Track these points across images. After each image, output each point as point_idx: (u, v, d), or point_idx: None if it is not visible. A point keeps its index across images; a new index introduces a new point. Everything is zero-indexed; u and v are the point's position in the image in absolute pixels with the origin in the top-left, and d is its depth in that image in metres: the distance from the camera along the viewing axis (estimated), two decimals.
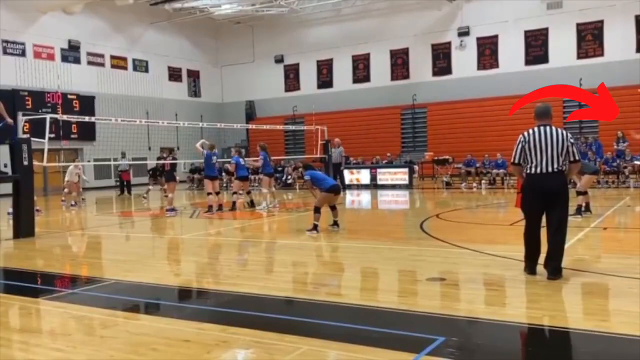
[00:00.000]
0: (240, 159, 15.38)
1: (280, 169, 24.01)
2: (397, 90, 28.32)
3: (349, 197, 18.80)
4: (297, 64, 31.83)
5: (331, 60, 30.85)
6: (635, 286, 5.66)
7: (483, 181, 20.43)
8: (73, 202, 17.61)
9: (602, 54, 24.49)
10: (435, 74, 28.11)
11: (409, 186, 20.92)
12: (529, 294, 5.59)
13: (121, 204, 19.53)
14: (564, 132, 6.10)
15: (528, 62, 25.94)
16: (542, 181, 6.00)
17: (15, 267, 8.22)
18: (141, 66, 30.03)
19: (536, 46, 25.85)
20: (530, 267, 6.16)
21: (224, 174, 22.23)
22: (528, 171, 6.09)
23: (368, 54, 29.84)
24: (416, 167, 23.65)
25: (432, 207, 15.52)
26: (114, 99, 27.38)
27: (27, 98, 23.78)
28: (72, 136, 25.71)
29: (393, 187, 21.23)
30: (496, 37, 26.62)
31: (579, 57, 24.94)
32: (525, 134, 6.12)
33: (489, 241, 8.79)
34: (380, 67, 29.37)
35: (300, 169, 19.43)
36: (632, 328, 4.36)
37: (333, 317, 5.08)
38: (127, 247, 10.18)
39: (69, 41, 26.36)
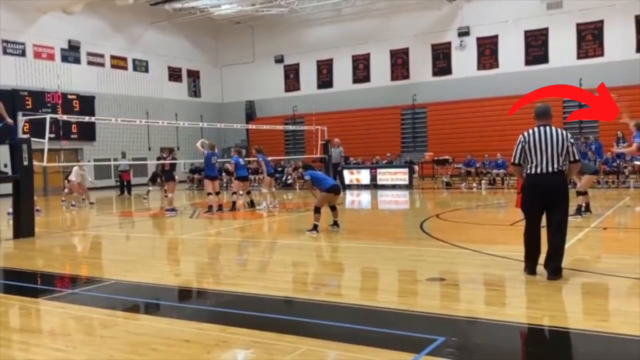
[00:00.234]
0: (240, 159, 15.39)
1: (280, 169, 24.01)
2: (397, 90, 28.32)
3: (349, 197, 18.80)
4: (297, 64, 31.83)
5: (331, 60, 30.86)
6: (635, 286, 5.66)
7: (483, 181, 20.43)
8: (73, 202, 17.62)
9: (602, 54, 24.50)
10: (435, 74, 28.11)
11: (409, 186, 20.92)
12: (529, 294, 5.59)
13: (121, 204, 19.54)
14: (564, 132, 6.10)
15: (528, 62, 25.94)
16: (542, 181, 5.99)
17: (15, 267, 8.22)
18: (141, 66, 30.03)
19: (536, 46, 25.85)
20: (530, 267, 6.16)
21: (224, 174, 22.24)
22: (528, 171, 6.09)
23: (368, 54, 29.85)
24: (416, 167, 23.66)
25: (432, 207, 15.52)
26: (114, 99, 27.38)
27: (27, 98, 23.78)
28: (72, 136, 25.70)
29: (393, 187, 21.23)
30: (496, 37, 26.63)
31: (579, 57, 24.94)
32: (525, 134, 6.12)
33: (489, 241, 8.79)
34: (380, 67, 29.37)
35: (300, 169, 19.42)
36: (632, 328, 4.35)
37: (333, 317, 5.08)
38: (127, 247, 10.18)
39: (69, 41, 26.36)
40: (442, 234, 9.56)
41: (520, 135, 6.17)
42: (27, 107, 22.63)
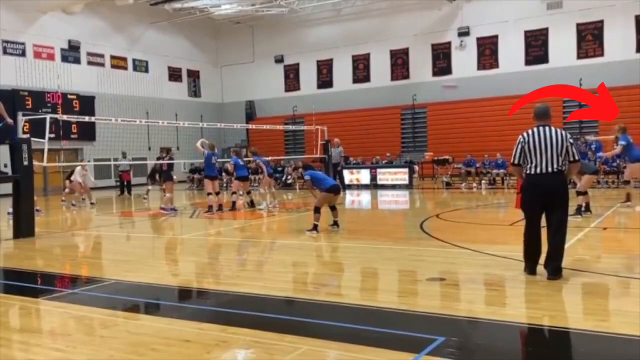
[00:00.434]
0: (239, 160, 15.40)
1: (280, 169, 24.01)
2: (397, 90, 28.31)
3: (349, 197, 18.80)
4: (297, 64, 31.82)
5: (331, 60, 30.85)
6: (635, 286, 5.66)
7: (483, 181, 20.43)
8: (73, 202, 17.62)
9: (602, 54, 24.48)
10: (435, 74, 28.09)
11: (409, 186, 20.92)
12: (529, 294, 5.59)
13: (121, 204, 19.54)
14: (564, 132, 6.11)
15: (528, 62, 25.93)
16: (542, 181, 6.00)
17: (15, 267, 8.22)
18: (141, 66, 30.03)
19: (536, 46, 25.85)
20: (530, 267, 6.16)
21: (223, 174, 22.24)
22: (528, 171, 6.10)
23: (368, 54, 29.83)
24: (416, 167, 23.65)
25: (432, 207, 15.52)
26: (114, 99, 27.37)
27: (27, 98, 23.77)
28: (72, 136, 25.71)
29: (393, 187, 21.23)
30: (496, 37, 26.62)
31: (579, 57, 24.93)
32: (525, 134, 6.12)
33: (489, 241, 8.79)
34: (380, 67, 29.36)
35: (300, 169, 19.42)
36: (632, 328, 4.36)
37: (333, 317, 5.08)
38: (127, 247, 10.18)
39: (69, 41, 26.35)
40: (442, 234, 9.56)
41: (520, 136, 6.17)
42: (27, 107, 22.62)
